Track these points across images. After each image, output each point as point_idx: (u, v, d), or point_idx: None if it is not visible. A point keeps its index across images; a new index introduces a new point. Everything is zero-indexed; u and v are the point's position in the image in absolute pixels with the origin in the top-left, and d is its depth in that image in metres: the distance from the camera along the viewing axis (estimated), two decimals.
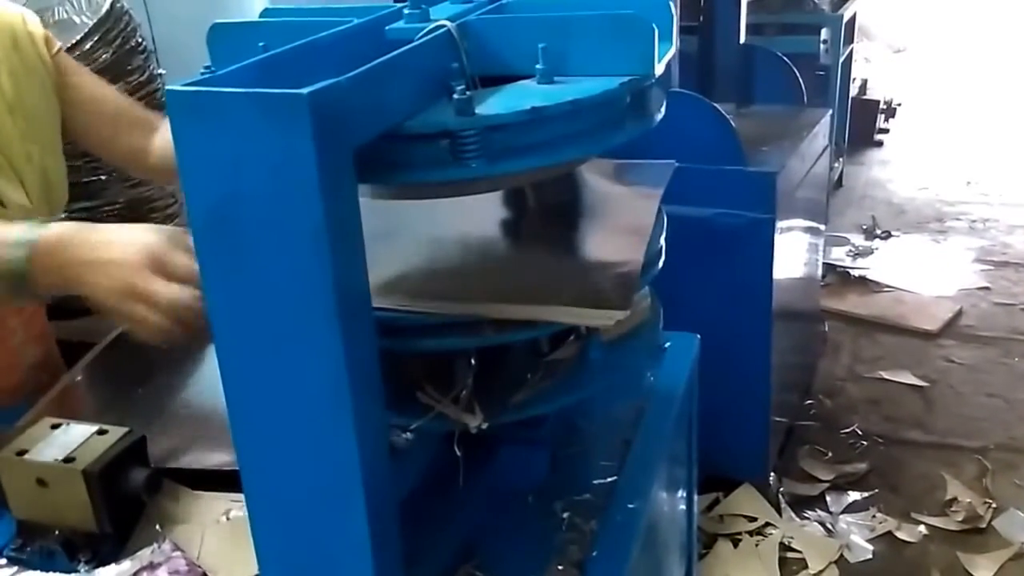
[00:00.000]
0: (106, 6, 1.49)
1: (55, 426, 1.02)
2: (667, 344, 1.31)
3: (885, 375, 2.88)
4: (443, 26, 0.84)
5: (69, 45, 1.48)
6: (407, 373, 0.90)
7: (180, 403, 1.23)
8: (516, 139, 0.79)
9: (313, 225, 0.63)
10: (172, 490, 1.03)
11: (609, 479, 1.05)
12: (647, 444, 1.11)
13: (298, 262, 0.64)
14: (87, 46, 1.49)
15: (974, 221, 3.98)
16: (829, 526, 2.26)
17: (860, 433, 2.61)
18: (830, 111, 2.33)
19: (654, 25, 0.81)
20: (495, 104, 0.78)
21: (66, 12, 1.59)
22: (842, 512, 2.30)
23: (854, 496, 2.37)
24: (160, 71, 1.63)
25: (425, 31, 0.84)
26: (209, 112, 0.64)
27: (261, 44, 0.85)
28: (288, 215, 0.64)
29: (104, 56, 1.50)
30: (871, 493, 2.37)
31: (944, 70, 6.30)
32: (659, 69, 0.84)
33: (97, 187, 1.53)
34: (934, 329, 3.10)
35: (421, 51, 0.79)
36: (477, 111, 0.76)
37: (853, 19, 3.77)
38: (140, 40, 1.59)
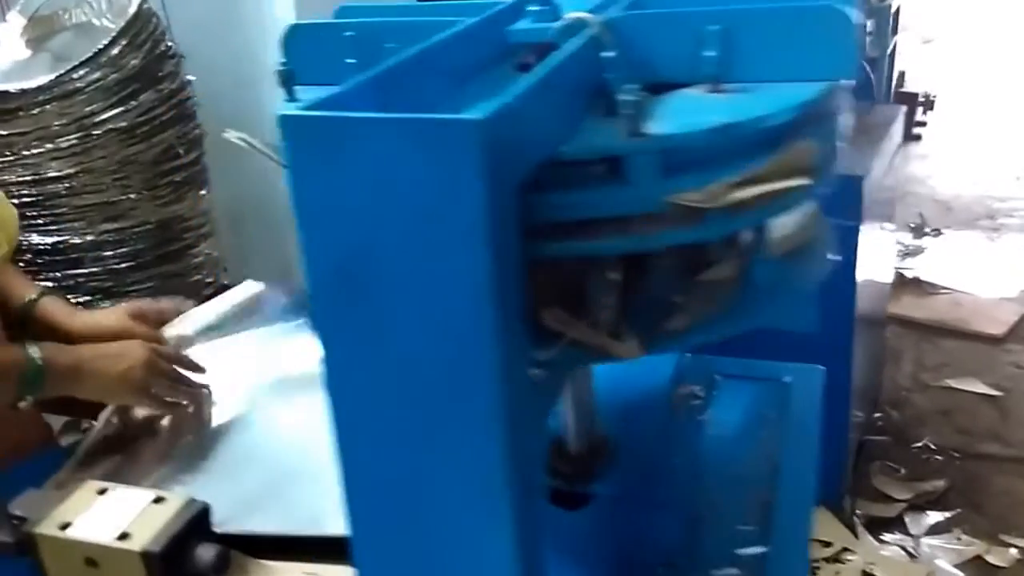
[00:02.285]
0: (133, 8, 1.34)
1: (101, 491, 0.87)
2: (787, 379, 1.16)
3: (953, 383, 2.72)
4: (582, 24, 0.68)
5: (96, 50, 1.33)
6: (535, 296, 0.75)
7: (203, 461, 1.09)
8: (696, 163, 0.63)
9: (477, 282, 0.48)
10: (240, 563, 0.88)
11: (757, 549, 0.89)
12: (794, 507, 0.95)
13: (456, 327, 0.49)
14: (115, 51, 1.34)
15: None
16: (911, 550, 2.10)
17: (933, 447, 2.46)
18: (904, 108, 2.18)
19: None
20: (667, 121, 0.63)
21: (84, 14, 1.44)
22: (924, 534, 2.14)
23: (935, 516, 2.21)
24: (189, 77, 1.48)
25: (558, 31, 0.70)
26: (343, 143, 0.49)
27: (351, 60, 0.76)
28: (445, 270, 0.49)
29: (134, 62, 1.35)
30: (953, 513, 2.22)
31: (975, 60, 6.13)
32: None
33: (126, 207, 1.38)
34: (1000, 333, 2.94)
35: (578, 59, 0.63)
36: (650, 130, 0.61)
37: (898, 11, 3.61)
38: (170, 44, 1.44)
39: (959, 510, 2.23)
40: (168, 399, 1.12)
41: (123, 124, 1.33)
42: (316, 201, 0.50)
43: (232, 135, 0.75)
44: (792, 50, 0.67)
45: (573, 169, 0.62)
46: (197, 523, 0.84)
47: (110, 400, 1.13)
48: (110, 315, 1.19)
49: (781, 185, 0.64)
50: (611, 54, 0.66)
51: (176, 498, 0.85)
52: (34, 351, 1.03)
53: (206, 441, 1.13)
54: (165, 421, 1.15)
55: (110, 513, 0.83)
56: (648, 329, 0.68)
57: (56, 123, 1.29)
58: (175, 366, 1.13)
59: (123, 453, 1.12)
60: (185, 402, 1.13)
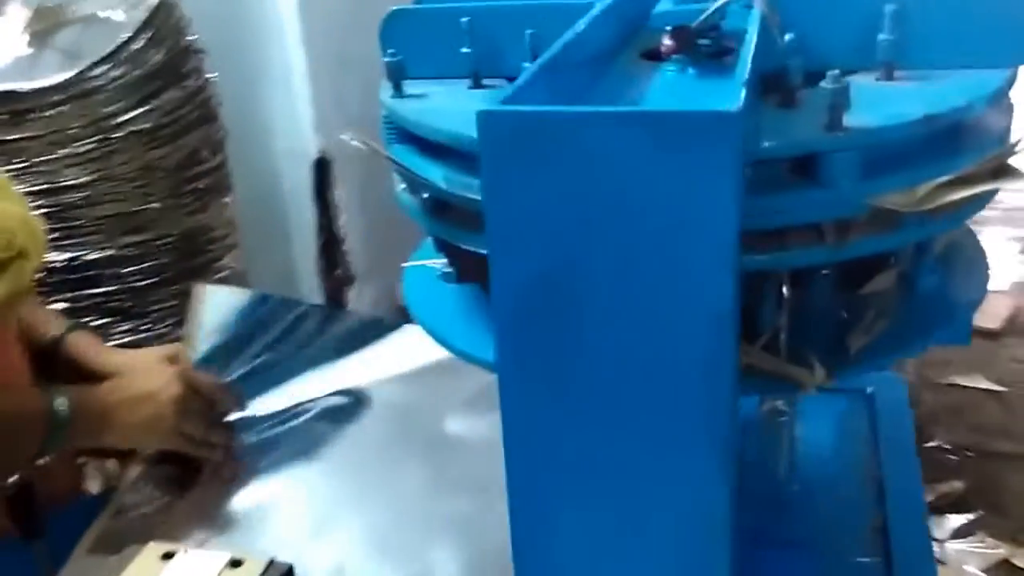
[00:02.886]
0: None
1: (167, 555, 0.77)
2: (870, 389, 1.09)
3: (959, 380, 2.68)
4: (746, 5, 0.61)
5: (117, 45, 1.22)
6: None
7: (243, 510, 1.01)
8: (894, 160, 0.56)
9: (720, 297, 0.41)
10: None
11: None
12: (911, 533, 0.88)
13: (689, 351, 0.41)
14: (136, 46, 1.23)
15: (1008, 209, 3.82)
16: (937, 554, 2.06)
17: (947, 447, 2.42)
18: None
19: None
20: (863, 113, 0.55)
21: (91, 6, 1.32)
22: (949, 539, 2.10)
23: (956, 520, 2.17)
24: (211, 74, 1.37)
25: (713, 13, 0.62)
26: (562, 142, 0.40)
27: (467, 50, 0.69)
28: (682, 284, 0.41)
29: (157, 58, 1.25)
30: (976, 516, 2.18)
31: None
32: None
33: (148, 217, 1.27)
34: (996, 327, 2.91)
35: (759, 46, 0.56)
36: (850, 123, 0.54)
37: None
38: (192, 39, 1.34)
39: (980, 512, 2.19)
40: (203, 439, 1.03)
41: (145, 126, 1.22)
42: (519, 208, 0.42)
43: (349, 137, 0.67)
44: (974, 33, 0.60)
45: (754, 170, 0.54)
46: None
47: (141, 447, 1.05)
48: (145, 357, 1.09)
49: (991, 186, 0.57)
50: (790, 36, 0.59)
51: (255, 561, 0.76)
52: (60, 401, 0.93)
53: (244, 487, 1.04)
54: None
55: None
56: (827, 352, 0.61)
57: (72, 126, 1.18)
58: (211, 397, 1.04)
59: (161, 501, 1.03)
60: (222, 444, 1.05)
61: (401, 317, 1.60)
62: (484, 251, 0.62)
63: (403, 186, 0.68)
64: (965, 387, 2.66)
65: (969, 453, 2.37)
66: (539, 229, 0.41)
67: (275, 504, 0.99)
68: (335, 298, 2.22)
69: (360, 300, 2.24)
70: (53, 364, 1.04)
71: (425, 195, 0.63)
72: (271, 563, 0.75)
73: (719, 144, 0.38)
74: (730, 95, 0.42)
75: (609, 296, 0.41)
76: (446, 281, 0.72)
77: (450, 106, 0.64)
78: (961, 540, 2.07)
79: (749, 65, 0.48)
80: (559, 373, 0.42)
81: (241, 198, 1.50)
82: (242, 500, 1.00)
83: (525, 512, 0.46)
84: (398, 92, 0.67)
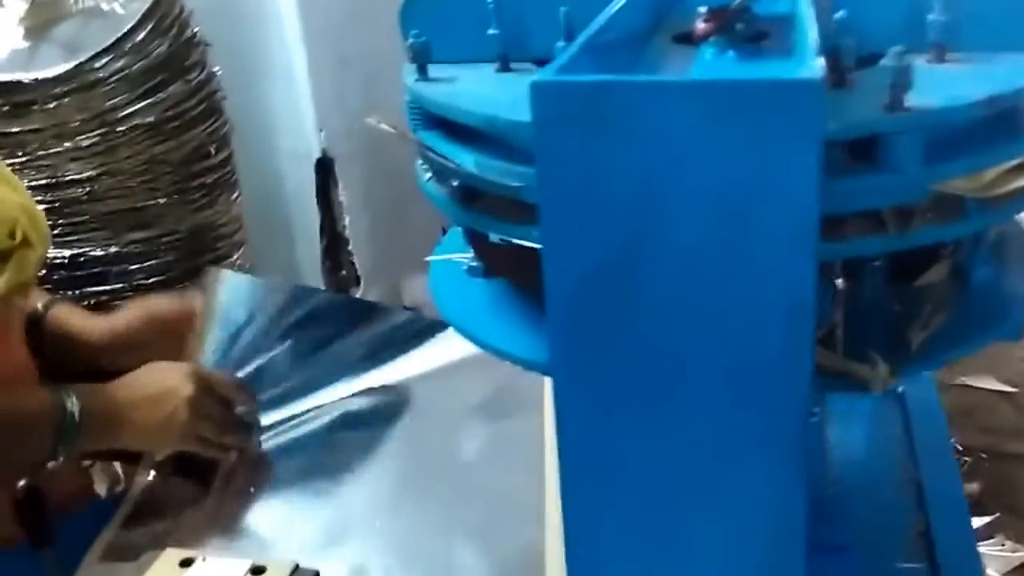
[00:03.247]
0: None
1: (186, 562, 0.74)
2: (900, 389, 1.06)
3: (970, 381, 2.65)
4: None
5: (120, 36, 1.19)
6: None
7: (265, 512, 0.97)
8: (956, 143, 0.53)
9: (800, 279, 0.37)
10: None
11: None
12: (956, 538, 0.85)
13: (766, 341, 0.38)
14: (139, 37, 1.19)
15: None
16: None
17: (961, 449, 2.38)
18: None
19: None
20: (924, 94, 0.52)
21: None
22: None
23: (975, 522, 2.13)
24: (215, 68, 1.34)
25: None
26: (624, 114, 0.37)
27: (494, 31, 0.65)
28: (758, 266, 0.37)
29: (160, 49, 1.21)
30: (993, 518, 2.14)
31: None
32: None
33: (153, 213, 1.24)
34: None
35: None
36: (913, 104, 0.50)
37: None
38: (196, 31, 1.30)
39: (997, 515, 2.16)
40: (218, 441, 1.00)
41: (150, 119, 1.19)
42: (577, 190, 0.38)
43: (375, 121, 0.63)
44: None
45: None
46: None
47: (153, 449, 1.01)
48: (131, 319, 1.05)
49: None
50: (842, 14, 0.55)
51: (279, 566, 0.72)
52: (70, 401, 0.89)
53: (260, 492, 1.01)
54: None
55: None
56: (886, 349, 0.57)
57: (75, 119, 1.15)
58: (226, 397, 1.01)
59: (174, 506, 0.99)
60: (236, 447, 1.02)
61: None
62: (516, 240, 0.59)
63: (428, 175, 0.64)
64: (977, 388, 2.64)
65: (983, 455, 2.33)
66: (598, 213, 0.37)
67: (292, 509, 0.96)
68: None
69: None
70: (38, 340, 1.01)
71: (454, 183, 0.59)
72: (296, 568, 0.71)
73: (801, 114, 0.35)
74: (801, 66, 0.39)
75: (676, 286, 0.37)
76: (472, 276, 0.69)
77: (481, 89, 0.61)
78: (981, 543, 2.03)
79: (814, 36, 0.44)
80: (620, 371, 0.39)
81: (245, 198, 1.47)
82: (258, 505, 0.96)
83: (580, 519, 0.42)
84: (423, 75, 0.64)
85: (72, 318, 1.05)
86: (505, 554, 0.87)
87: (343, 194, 2.06)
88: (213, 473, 1.02)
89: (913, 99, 0.50)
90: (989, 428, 2.46)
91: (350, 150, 1.99)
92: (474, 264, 0.67)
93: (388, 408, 1.10)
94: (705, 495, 0.40)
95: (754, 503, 0.39)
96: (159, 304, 1.07)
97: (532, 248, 0.59)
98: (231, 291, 1.10)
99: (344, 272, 2.20)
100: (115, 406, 0.93)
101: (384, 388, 1.12)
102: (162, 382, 0.98)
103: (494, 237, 0.66)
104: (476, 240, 0.66)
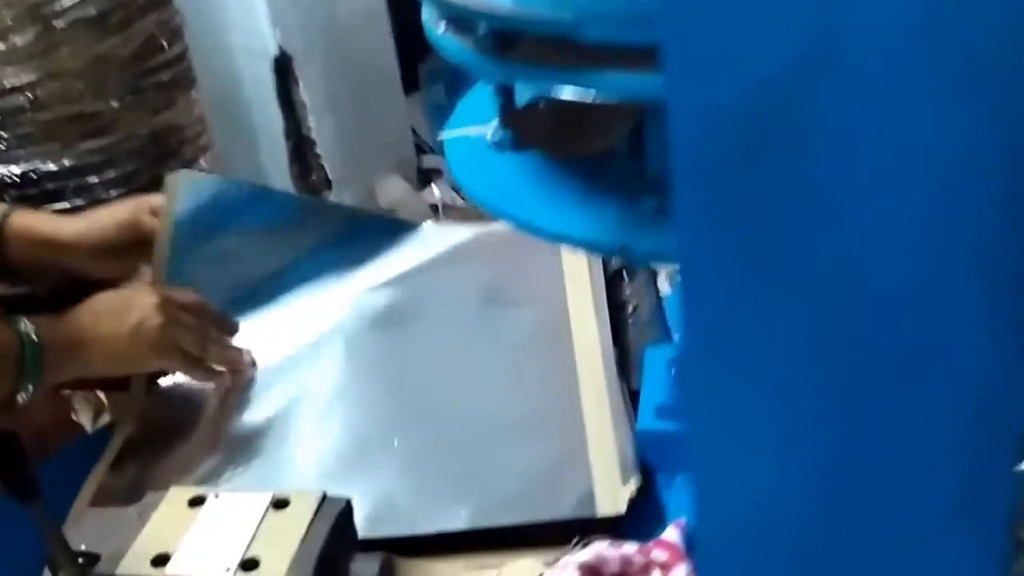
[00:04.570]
0: None
1: (196, 501, 0.65)
2: None
3: None
4: None
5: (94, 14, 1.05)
6: None
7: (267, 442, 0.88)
8: None
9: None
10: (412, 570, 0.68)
11: None
12: None
13: (978, 222, 0.28)
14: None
15: None
16: None
17: None
18: None
19: None
20: None
21: None
22: None
23: None
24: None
25: None
26: None
27: None
28: (964, 108, 0.27)
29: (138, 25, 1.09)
30: None
31: None
32: None
33: (107, 118, 1.11)
34: None
35: None
36: None
37: None
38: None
39: None
40: (200, 354, 0.90)
41: (92, 12, 1.04)
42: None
43: None
44: None
45: None
46: (344, 528, 0.63)
47: (129, 369, 0.90)
48: (106, 220, 0.94)
49: None
50: None
51: (306, 496, 0.63)
52: (24, 325, 0.80)
53: (259, 417, 0.92)
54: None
55: (219, 532, 0.61)
56: None
57: (6, 16, 1.01)
58: (200, 312, 0.91)
59: (165, 440, 0.90)
60: (223, 367, 0.92)
61: None
62: (565, 94, 0.49)
63: (443, 27, 0.53)
64: None
65: None
66: (752, 23, 0.27)
67: (299, 431, 0.87)
68: None
69: None
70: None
71: (481, 30, 0.49)
72: (324, 498, 0.63)
73: None
74: None
75: (853, 141, 0.27)
76: (500, 150, 0.59)
77: None
78: None
79: None
80: (768, 258, 0.29)
81: (203, 102, 1.34)
82: (259, 432, 0.88)
83: (709, 445, 0.33)
84: None
85: (37, 222, 0.94)
86: (543, 460, 0.80)
87: (305, 94, 1.93)
88: (203, 399, 0.93)
89: None
90: None
91: (309, 46, 1.86)
92: (501, 136, 0.58)
93: (385, 310, 1.01)
94: (871, 442, 0.31)
95: (948, 464, 0.30)
96: (136, 206, 0.96)
97: (579, 106, 0.49)
98: (196, 194, 0.99)
99: (314, 177, 2.09)
100: (78, 324, 0.84)
101: (376, 289, 1.03)
102: (125, 296, 0.88)
103: (524, 99, 0.56)
104: (505, 106, 0.56)
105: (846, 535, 0.34)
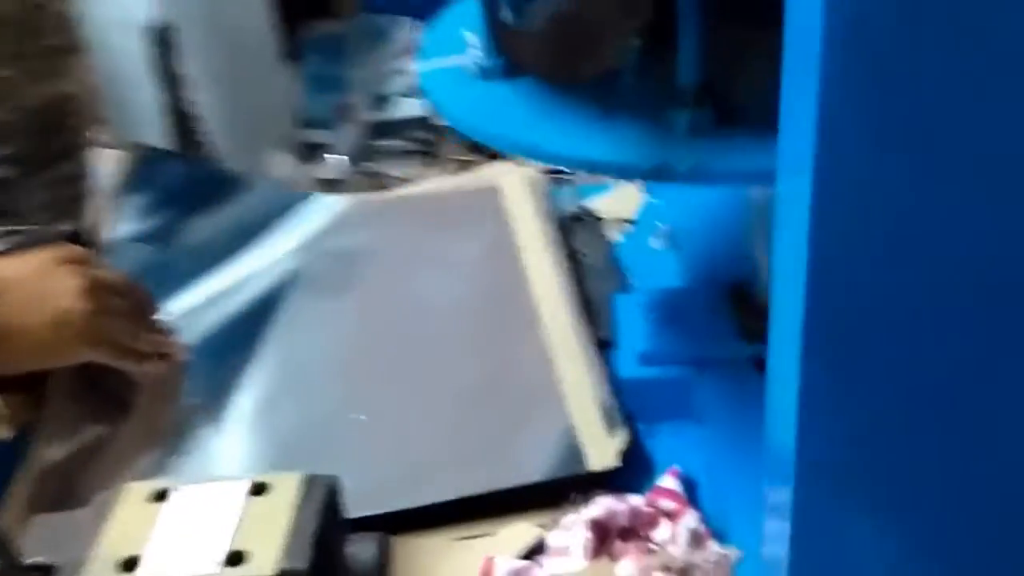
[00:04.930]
0: None
1: (158, 495, 0.58)
2: None
3: None
4: None
5: None
6: None
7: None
8: None
9: None
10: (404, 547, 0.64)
11: None
12: None
13: None
14: None
15: None
16: None
17: None
18: None
19: None
20: None
21: None
22: None
23: None
24: None
25: None
26: None
27: None
28: None
29: None
30: None
31: None
32: None
33: None
34: None
35: None
36: None
37: None
38: None
39: None
40: (133, 346, 0.81)
41: None
42: None
43: None
44: None
45: None
46: (333, 509, 0.57)
47: (54, 362, 0.80)
48: (33, 261, 0.82)
49: None
50: None
51: (287, 478, 0.57)
52: None
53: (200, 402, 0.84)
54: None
55: (193, 527, 0.55)
56: None
57: None
58: (128, 294, 0.82)
59: (96, 438, 0.82)
60: (157, 352, 0.84)
61: None
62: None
63: None
64: None
65: None
66: None
67: (247, 418, 0.80)
68: None
69: None
70: None
71: None
72: (309, 479, 0.56)
73: None
74: None
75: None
76: (488, 78, 0.53)
77: None
78: None
79: None
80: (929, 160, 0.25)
81: None
82: (202, 419, 0.80)
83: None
84: None
85: None
86: (522, 419, 0.75)
87: (186, 67, 1.82)
88: (133, 390, 0.84)
89: None
90: None
91: (187, 16, 1.75)
92: (491, 63, 0.52)
93: (317, 277, 0.94)
94: None
95: None
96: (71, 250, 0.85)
97: (573, 24, 0.44)
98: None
99: (201, 154, 1.99)
100: None
101: (297, 255, 0.97)
102: (46, 278, 0.78)
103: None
104: (494, 29, 0.51)
105: None
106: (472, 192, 1.05)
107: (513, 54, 0.52)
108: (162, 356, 0.84)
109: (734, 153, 0.42)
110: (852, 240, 0.28)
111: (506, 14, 0.50)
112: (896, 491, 0.34)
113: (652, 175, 0.42)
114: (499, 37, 0.51)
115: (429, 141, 1.55)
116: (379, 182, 1.50)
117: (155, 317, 0.85)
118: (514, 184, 1.03)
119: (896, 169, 0.27)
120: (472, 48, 0.54)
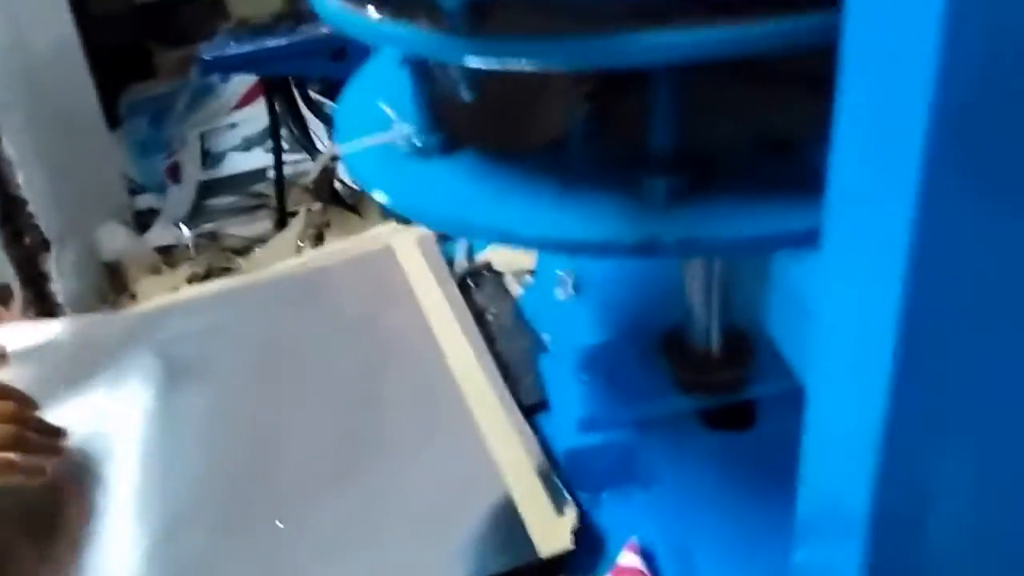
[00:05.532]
0: None
1: None
2: None
3: None
4: None
5: None
6: None
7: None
8: None
9: None
10: None
11: None
12: None
13: None
14: None
15: None
16: None
17: None
18: None
19: None
20: None
21: None
22: None
23: None
24: None
25: None
26: None
27: None
28: None
29: None
30: None
31: None
32: None
33: None
34: None
35: None
36: None
37: None
38: None
39: None
40: (20, 461, 0.72)
41: None
42: None
43: None
44: None
45: None
46: None
47: None
48: None
49: None
50: None
51: None
52: None
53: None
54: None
55: None
56: None
57: None
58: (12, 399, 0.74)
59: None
60: (45, 462, 0.74)
61: (107, 279, 1.36)
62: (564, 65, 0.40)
63: (383, 12, 0.43)
64: None
65: None
66: None
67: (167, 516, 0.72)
68: (29, 269, 1.84)
69: (61, 266, 1.87)
70: None
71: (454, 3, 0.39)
72: None
73: None
74: None
75: None
76: (424, 156, 0.49)
77: None
78: None
79: None
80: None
81: None
82: (110, 523, 0.72)
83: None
84: None
85: None
86: (455, 509, 0.70)
87: (9, 148, 1.68)
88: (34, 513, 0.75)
89: None
90: None
91: (7, 96, 1.62)
92: (429, 140, 0.48)
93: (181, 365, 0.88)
94: None
95: None
96: None
97: (511, 92, 0.41)
98: None
99: (28, 239, 1.84)
100: None
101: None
102: None
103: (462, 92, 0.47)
104: (431, 102, 0.47)
105: None
106: (366, 257, 0.99)
107: (450, 127, 0.48)
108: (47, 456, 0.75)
109: (720, 221, 0.39)
110: (948, 318, 0.26)
111: (442, 86, 0.46)
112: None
113: (637, 252, 0.39)
114: (434, 110, 0.47)
115: (265, 195, 1.49)
116: (219, 244, 1.42)
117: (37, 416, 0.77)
118: (406, 244, 0.98)
119: (996, 246, 0.25)
120: (397, 124, 0.50)
